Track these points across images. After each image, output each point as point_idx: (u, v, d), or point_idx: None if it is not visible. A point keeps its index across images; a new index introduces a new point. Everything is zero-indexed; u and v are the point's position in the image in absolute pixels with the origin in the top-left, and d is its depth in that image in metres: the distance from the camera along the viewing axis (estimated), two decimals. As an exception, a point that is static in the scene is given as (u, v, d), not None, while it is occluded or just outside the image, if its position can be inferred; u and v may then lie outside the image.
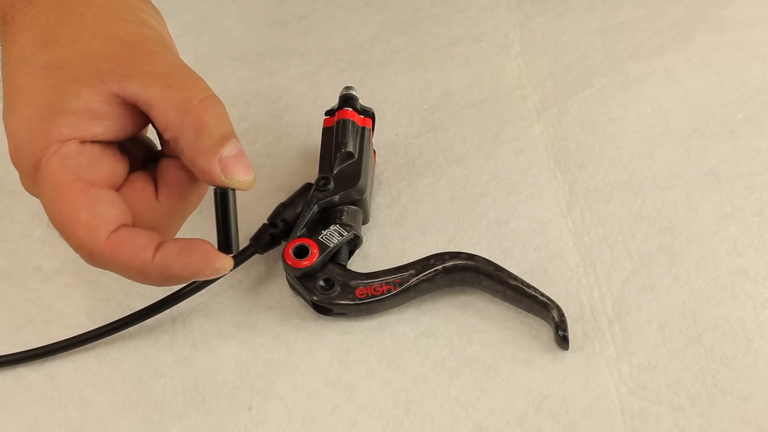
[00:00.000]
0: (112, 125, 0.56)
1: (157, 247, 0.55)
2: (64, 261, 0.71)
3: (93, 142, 0.55)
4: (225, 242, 0.57)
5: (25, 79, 0.56)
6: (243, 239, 0.67)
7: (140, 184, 0.58)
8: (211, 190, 0.58)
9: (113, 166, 0.57)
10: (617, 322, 0.65)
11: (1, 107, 0.58)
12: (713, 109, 0.76)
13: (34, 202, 0.73)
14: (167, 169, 0.59)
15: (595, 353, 0.64)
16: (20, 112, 0.55)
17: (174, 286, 0.66)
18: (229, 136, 0.56)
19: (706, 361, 0.63)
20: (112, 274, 0.69)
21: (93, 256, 0.55)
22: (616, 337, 0.65)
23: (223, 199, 0.57)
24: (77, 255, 0.70)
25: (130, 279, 0.56)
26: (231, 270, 0.57)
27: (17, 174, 0.74)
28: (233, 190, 0.57)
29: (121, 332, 0.66)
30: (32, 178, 0.55)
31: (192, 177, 0.58)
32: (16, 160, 0.56)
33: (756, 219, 0.69)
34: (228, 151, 0.55)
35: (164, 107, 0.55)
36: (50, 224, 0.56)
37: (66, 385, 0.65)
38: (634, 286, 0.67)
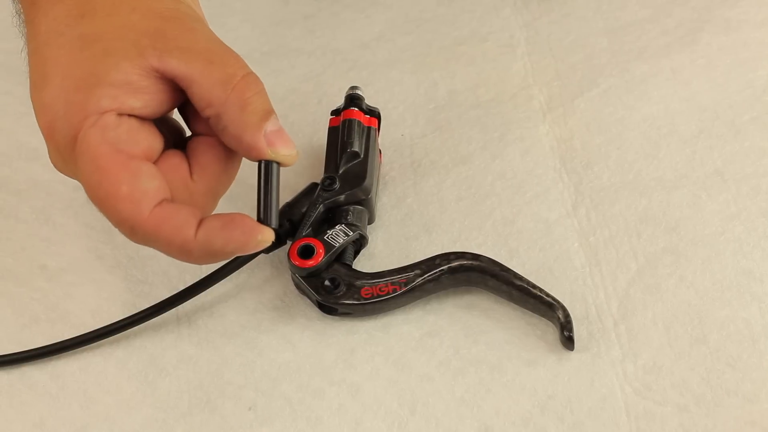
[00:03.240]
0: (150, 100, 0.55)
1: (199, 224, 0.54)
2: (70, 260, 0.71)
3: (130, 116, 0.54)
4: (265, 215, 0.57)
5: (60, 50, 0.55)
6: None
7: (175, 161, 0.57)
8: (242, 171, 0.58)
9: (151, 141, 0.55)
10: (622, 323, 0.65)
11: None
12: (719, 110, 0.76)
13: (40, 201, 0.73)
14: (199, 147, 0.58)
15: (601, 354, 0.64)
16: (55, 84, 0.54)
17: (172, 284, 0.66)
18: (270, 111, 0.56)
19: (712, 362, 0.63)
20: (117, 273, 0.69)
21: (134, 231, 0.53)
22: (621, 338, 0.65)
23: (267, 172, 0.57)
24: (82, 254, 0.71)
25: (170, 255, 0.55)
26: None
27: (22, 173, 0.75)
28: (278, 165, 0.57)
29: (126, 331, 0.66)
30: (68, 152, 0.54)
31: (225, 156, 0.57)
32: (50, 134, 0.54)
33: (762, 220, 0.69)
34: (271, 126, 0.56)
35: (207, 83, 0.55)
36: (88, 201, 0.54)
37: (71, 384, 0.65)
38: (640, 287, 0.67)
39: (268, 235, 0.56)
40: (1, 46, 0.79)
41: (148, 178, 0.54)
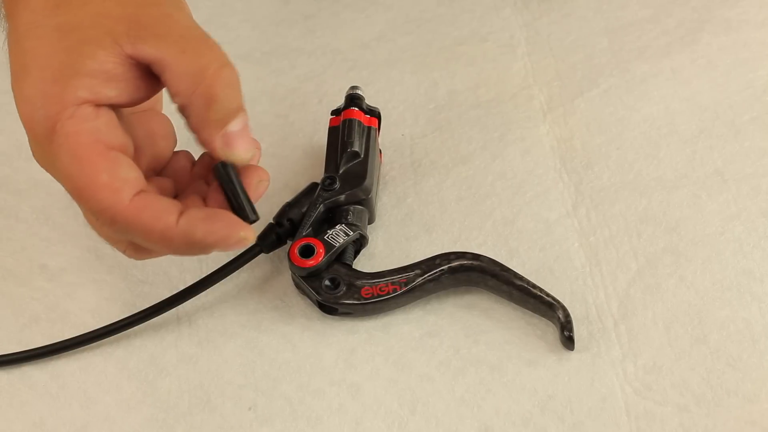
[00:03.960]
0: (125, 87, 0.54)
1: (181, 213, 0.54)
2: (70, 260, 0.71)
3: (108, 107, 0.54)
4: (241, 212, 0.56)
5: (37, 42, 0.54)
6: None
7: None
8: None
9: (125, 137, 0.55)
10: (623, 323, 0.65)
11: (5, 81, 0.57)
12: (719, 110, 0.76)
13: (40, 201, 0.73)
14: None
15: (601, 354, 0.64)
16: (33, 76, 0.54)
17: (169, 286, 0.66)
18: (237, 110, 0.55)
19: (712, 362, 0.63)
20: (117, 273, 0.69)
21: (115, 220, 0.53)
22: (621, 338, 0.65)
23: (225, 171, 0.56)
24: (82, 254, 0.71)
25: (151, 246, 0.55)
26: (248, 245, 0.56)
27: (22, 173, 0.75)
28: (232, 164, 0.56)
29: (126, 331, 0.66)
30: (47, 144, 0.54)
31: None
32: (29, 126, 0.54)
33: (762, 220, 0.69)
34: (234, 126, 0.55)
35: (178, 72, 0.54)
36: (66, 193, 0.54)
37: (71, 384, 0.65)
38: (640, 287, 0.67)
39: (250, 233, 0.55)
40: (1, 46, 0.79)
41: (127, 168, 0.54)
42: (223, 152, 0.55)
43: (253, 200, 0.57)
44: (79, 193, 0.53)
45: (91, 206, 0.53)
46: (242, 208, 0.56)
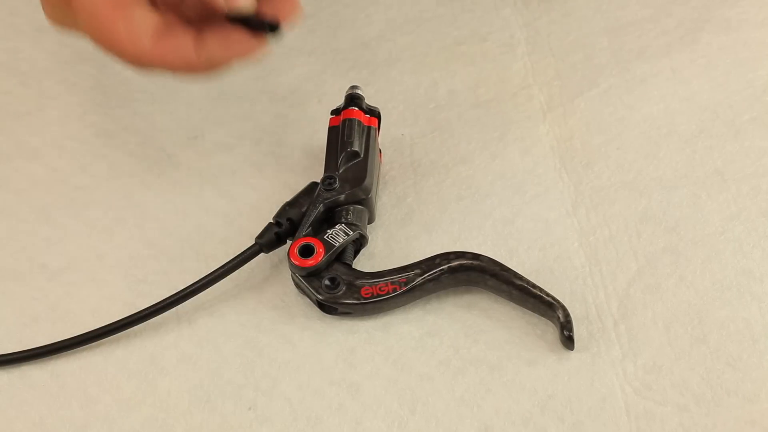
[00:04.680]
0: None
1: (198, 43, 0.58)
2: (70, 259, 0.71)
3: None
4: (259, 24, 0.59)
5: None
6: (248, 238, 0.67)
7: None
8: None
9: None
10: (622, 323, 0.65)
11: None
12: (719, 110, 0.76)
13: (40, 201, 0.73)
14: None
15: (601, 353, 0.64)
16: None
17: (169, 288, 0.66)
18: None
19: (712, 362, 0.63)
20: (117, 273, 0.70)
21: (142, 65, 0.59)
22: (621, 338, 0.65)
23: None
24: (82, 254, 0.71)
25: (181, 77, 0.60)
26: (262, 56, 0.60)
27: (22, 173, 0.75)
28: None
29: (126, 331, 0.66)
30: (65, 6, 0.59)
31: None
32: None
33: (762, 220, 0.69)
34: None
35: None
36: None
37: (71, 384, 0.65)
38: (640, 287, 0.67)
39: (265, 44, 0.59)
40: (1, 46, 0.79)
41: (141, 16, 0.58)
42: (224, 4, 0.58)
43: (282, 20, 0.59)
44: (105, 47, 0.58)
45: (119, 57, 0.58)
46: (260, 28, 0.58)
